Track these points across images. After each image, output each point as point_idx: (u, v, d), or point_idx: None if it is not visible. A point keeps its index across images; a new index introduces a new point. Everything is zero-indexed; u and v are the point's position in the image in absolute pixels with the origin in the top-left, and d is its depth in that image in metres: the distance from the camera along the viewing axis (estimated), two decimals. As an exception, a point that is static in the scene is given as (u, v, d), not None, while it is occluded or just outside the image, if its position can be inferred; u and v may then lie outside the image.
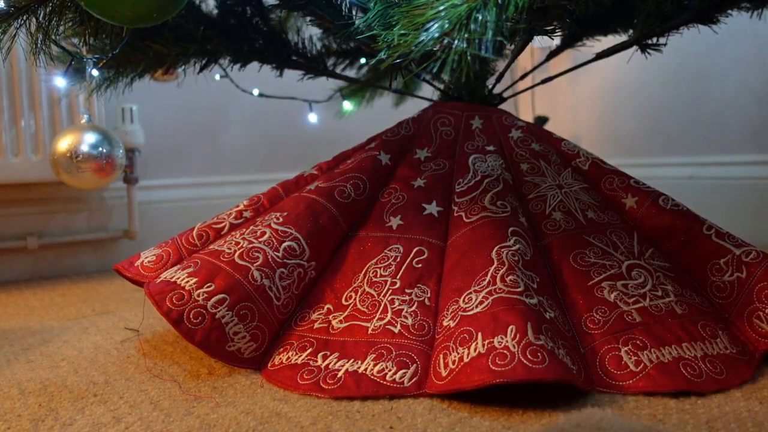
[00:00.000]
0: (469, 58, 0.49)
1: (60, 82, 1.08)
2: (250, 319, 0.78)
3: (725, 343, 0.72)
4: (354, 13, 0.89)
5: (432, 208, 0.89)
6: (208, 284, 0.78)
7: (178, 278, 0.80)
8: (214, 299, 0.77)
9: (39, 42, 0.84)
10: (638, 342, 0.71)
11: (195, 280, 0.79)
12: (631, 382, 0.67)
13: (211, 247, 0.87)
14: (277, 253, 0.83)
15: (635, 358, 0.69)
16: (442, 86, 1.11)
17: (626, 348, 0.70)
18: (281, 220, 0.86)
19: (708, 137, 1.69)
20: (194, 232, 0.93)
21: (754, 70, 1.58)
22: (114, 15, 0.67)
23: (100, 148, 1.22)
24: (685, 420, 0.60)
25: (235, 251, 0.82)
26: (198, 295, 0.77)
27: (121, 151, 1.28)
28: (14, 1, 0.79)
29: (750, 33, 1.55)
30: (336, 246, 0.88)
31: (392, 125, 1.02)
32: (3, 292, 1.38)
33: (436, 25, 0.49)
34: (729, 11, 0.94)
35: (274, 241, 0.84)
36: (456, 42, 0.49)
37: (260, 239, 0.84)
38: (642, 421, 0.60)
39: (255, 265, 0.81)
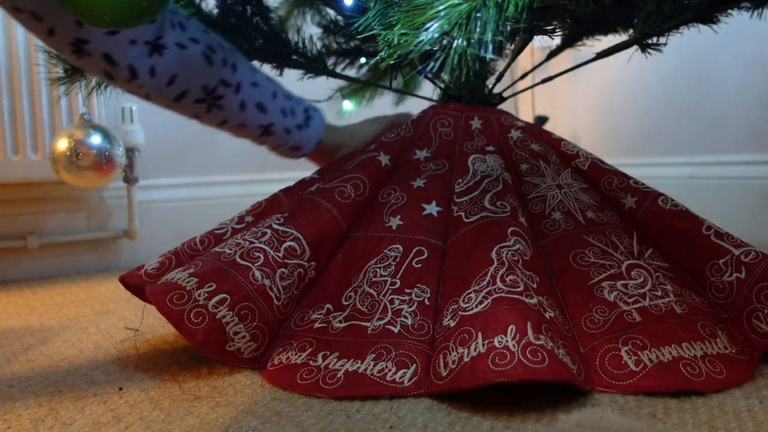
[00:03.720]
0: (469, 57, 0.49)
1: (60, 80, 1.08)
2: (251, 319, 0.78)
3: (725, 343, 0.72)
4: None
5: (431, 208, 0.89)
6: (209, 284, 0.78)
7: (179, 279, 0.79)
8: (215, 299, 0.77)
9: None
10: (638, 342, 0.70)
11: (196, 280, 0.79)
12: (631, 381, 0.67)
13: (212, 249, 0.87)
14: (278, 253, 0.82)
15: (635, 357, 0.69)
16: (442, 85, 1.11)
17: (626, 348, 0.70)
18: (282, 220, 0.86)
19: (708, 137, 1.69)
20: (197, 239, 0.93)
21: (754, 71, 1.58)
22: (89, 16, 0.67)
23: (101, 147, 1.22)
24: (685, 420, 0.60)
25: (236, 251, 0.82)
26: (199, 295, 0.77)
27: (121, 149, 1.27)
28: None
29: (750, 33, 1.55)
30: (336, 246, 0.88)
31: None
32: (3, 292, 1.38)
33: (436, 25, 0.49)
34: (729, 11, 0.93)
35: (275, 241, 0.84)
36: (456, 41, 0.49)
37: (261, 239, 0.84)
38: (642, 420, 0.61)
39: (256, 265, 0.81)
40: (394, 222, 0.88)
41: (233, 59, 0.84)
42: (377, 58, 0.56)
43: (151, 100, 0.84)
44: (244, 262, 0.81)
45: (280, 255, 0.82)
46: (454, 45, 0.49)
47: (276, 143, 0.94)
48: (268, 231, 0.85)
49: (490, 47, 0.49)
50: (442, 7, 0.50)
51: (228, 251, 0.83)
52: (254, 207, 0.97)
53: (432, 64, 0.52)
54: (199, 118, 0.86)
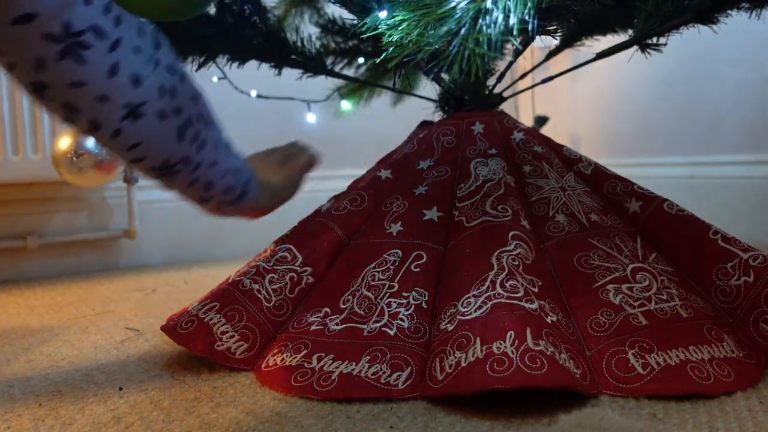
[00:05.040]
0: (478, 57, 0.49)
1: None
2: (238, 319, 0.81)
3: (731, 347, 0.71)
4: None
5: (432, 214, 0.90)
6: (206, 300, 0.84)
7: (190, 305, 0.87)
8: (205, 308, 0.82)
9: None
10: (645, 345, 0.70)
11: (197, 303, 0.85)
12: (639, 384, 0.66)
13: None
14: (268, 263, 0.87)
15: (642, 360, 0.68)
16: (443, 85, 1.11)
17: (633, 351, 0.69)
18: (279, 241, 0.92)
19: (705, 137, 1.69)
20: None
21: (751, 71, 1.58)
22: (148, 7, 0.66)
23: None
24: (685, 419, 0.60)
25: (236, 274, 0.88)
26: (193, 309, 0.83)
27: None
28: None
29: (747, 34, 1.55)
30: (335, 253, 0.89)
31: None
32: (3, 292, 1.38)
33: (453, 20, 0.49)
34: (729, 11, 0.93)
35: (269, 257, 0.88)
36: (468, 41, 0.49)
37: (257, 261, 0.89)
38: (642, 420, 0.61)
39: (247, 276, 0.85)
40: (395, 228, 0.89)
41: (204, 134, 0.76)
42: (383, 57, 0.56)
43: (104, 148, 0.80)
44: (238, 278, 0.86)
45: (270, 264, 0.86)
46: (465, 44, 0.49)
47: (207, 209, 0.87)
48: (268, 252, 0.90)
49: (499, 47, 0.49)
50: (451, 6, 0.49)
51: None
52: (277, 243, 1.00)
53: (441, 63, 0.52)
54: (146, 175, 0.78)
